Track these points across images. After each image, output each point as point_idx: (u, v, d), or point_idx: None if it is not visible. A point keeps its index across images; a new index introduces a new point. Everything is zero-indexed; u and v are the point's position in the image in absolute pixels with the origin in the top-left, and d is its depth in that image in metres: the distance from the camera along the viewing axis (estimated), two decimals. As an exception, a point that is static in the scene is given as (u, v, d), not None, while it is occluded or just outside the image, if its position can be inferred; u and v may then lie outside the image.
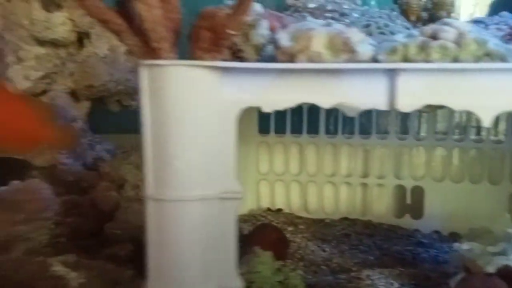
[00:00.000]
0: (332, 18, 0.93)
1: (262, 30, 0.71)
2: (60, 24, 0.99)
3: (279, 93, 0.64)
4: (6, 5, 1.01)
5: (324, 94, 0.63)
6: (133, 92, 1.13)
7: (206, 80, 0.62)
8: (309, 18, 0.76)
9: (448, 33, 0.61)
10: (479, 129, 1.15)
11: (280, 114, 1.14)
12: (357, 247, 1.01)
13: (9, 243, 0.70)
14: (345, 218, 1.17)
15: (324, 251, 0.99)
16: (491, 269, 0.70)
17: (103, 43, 1.06)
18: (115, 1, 0.61)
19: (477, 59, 0.61)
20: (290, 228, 1.09)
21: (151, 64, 0.61)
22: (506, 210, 1.08)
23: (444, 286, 0.77)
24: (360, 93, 0.62)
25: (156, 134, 0.62)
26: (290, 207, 1.20)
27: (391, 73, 0.61)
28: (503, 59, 0.62)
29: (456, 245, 0.79)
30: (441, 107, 0.64)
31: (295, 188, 1.20)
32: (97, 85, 1.07)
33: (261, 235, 0.89)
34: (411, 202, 1.15)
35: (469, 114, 1.09)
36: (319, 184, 1.18)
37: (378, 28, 0.83)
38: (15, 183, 0.75)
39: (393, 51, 0.62)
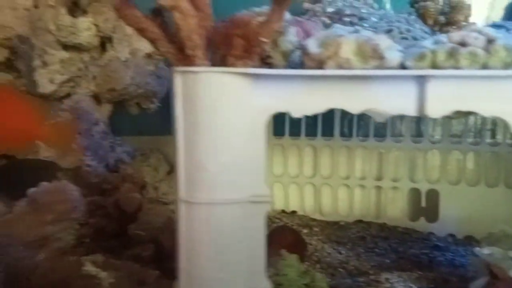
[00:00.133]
0: (351, 23, 0.93)
1: (290, 37, 0.72)
2: (85, 29, 1.01)
3: (308, 99, 0.64)
4: (33, 11, 1.02)
5: (353, 100, 0.64)
6: (152, 95, 1.14)
7: (238, 86, 0.63)
8: (337, 25, 0.77)
9: (477, 40, 0.62)
10: (494, 132, 1.15)
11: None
12: (373, 250, 1.01)
13: (41, 243, 0.72)
14: (360, 221, 1.17)
15: (340, 253, 0.99)
16: (512, 274, 0.70)
17: (124, 47, 1.07)
18: (151, 10, 0.62)
19: (507, 66, 0.61)
20: (305, 231, 1.10)
21: (185, 70, 0.62)
22: (522, 214, 1.09)
23: (464, 290, 0.78)
24: (389, 99, 0.63)
25: (188, 138, 0.63)
26: (304, 209, 1.20)
27: (421, 79, 0.62)
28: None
29: (476, 249, 0.80)
30: (470, 113, 0.65)
31: (309, 191, 1.20)
32: (119, 89, 1.08)
33: (279, 237, 0.89)
34: (426, 205, 1.15)
35: (484, 117, 1.09)
36: (334, 187, 1.19)
37: (400, 33, 0.83)
38: (45, 185, 0.76)
39: (421, 57, 0.63)
